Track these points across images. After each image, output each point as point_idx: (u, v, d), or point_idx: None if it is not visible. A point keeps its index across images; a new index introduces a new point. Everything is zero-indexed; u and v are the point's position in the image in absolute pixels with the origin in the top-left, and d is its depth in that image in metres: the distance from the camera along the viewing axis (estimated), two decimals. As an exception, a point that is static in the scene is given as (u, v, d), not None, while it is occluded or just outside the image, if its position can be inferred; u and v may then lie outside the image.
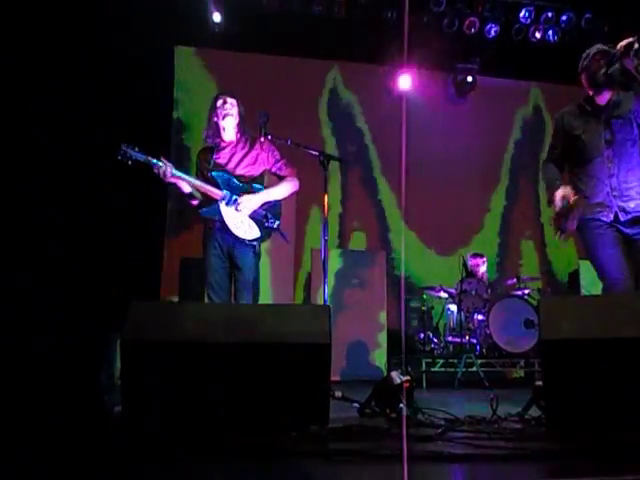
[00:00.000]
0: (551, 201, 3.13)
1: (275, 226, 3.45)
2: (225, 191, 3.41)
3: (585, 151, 3.12)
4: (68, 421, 2.51)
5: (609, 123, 3.07)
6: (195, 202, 3.54)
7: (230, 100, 3.54)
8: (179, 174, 3.37)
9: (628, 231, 3.00)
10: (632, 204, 3.00)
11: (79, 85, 5.68)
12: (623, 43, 2.82)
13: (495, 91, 7.80)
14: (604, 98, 3.11)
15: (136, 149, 3.31)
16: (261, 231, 3.41)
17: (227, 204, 3.40)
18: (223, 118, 3.51)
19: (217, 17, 6.59)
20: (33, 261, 5.06)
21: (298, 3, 6.49)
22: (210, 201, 3.43)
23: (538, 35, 6.93)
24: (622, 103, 3.08)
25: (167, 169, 3.33)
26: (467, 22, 6.81)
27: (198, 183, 3.41)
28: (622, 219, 2.99)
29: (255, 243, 3.39)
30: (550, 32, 6.93)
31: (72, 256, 5.42)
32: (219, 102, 3.53)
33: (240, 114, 3.56)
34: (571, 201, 3.03)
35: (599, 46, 3.06)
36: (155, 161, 3.34)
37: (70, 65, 5.65)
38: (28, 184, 5.27)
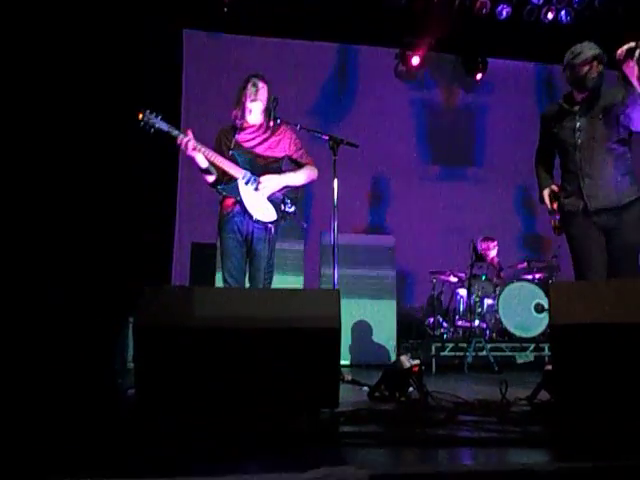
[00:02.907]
0: (541, 200, 3.40)
1: (292, 211, 3.45)
2: (245, 170, 3.41)
3: (561, 147, 3.26)
4: (81, 405, 2.55)
5: (583, 119, 3.16)
6: (211, 178, 3.52)
7: (261, 84, 3.51)
8: (200, 147, 3.35)
9: (598, 220, 3.12)
10: (599, 198, 3.11)
11: (83, 73, 5.68)
12: (624, 48, 2.81)
13: (506, 73, 7.71)
14: (582, 95, 3.19)
15: (159, 117, 3.31)
16: (277, 214, 3.41)
17: (246, 183, 3.38)
18: (252, 101, 3.48)
19: None
20: (43, 246, 5.10)
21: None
22: (229, 179, 3.43)
23: (550, 16, 6.83)
24: (600, 99, 3.14)
25: (189, 141, 3.31)
26: (478, 3, 6.72)
27: (219, 159, 3.39)
28: (590, 209, 3.12)
29: (271, 225, 3.39)
30: (563, 13, 6.83)
31: (82, 241, 5.46)
32: (250, 84, 3.49)
33: (268, 99, 3.52)
34: (554, 205, 3.30)
35: (593, 51, 3.08)
36: (177, 132, 3.34)
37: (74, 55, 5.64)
38: (36, 171, 5.30)
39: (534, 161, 3.54)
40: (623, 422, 2.00)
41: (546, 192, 3.35)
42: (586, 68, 3.07)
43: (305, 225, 3.63)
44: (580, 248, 3.18)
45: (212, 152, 3.39)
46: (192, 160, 3.43)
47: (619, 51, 2.83)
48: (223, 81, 6.57)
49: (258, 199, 3.38)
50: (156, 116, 3.31)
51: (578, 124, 3.16)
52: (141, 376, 2.21)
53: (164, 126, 3.31)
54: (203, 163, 3.42)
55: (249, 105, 3.49)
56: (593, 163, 3.13)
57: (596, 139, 3.12)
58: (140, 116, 3.28)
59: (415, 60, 7.37)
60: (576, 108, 3.20)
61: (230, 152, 3.43)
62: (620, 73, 2.89)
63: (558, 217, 3.31)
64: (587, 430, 1.94)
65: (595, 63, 3.06)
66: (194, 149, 3.32)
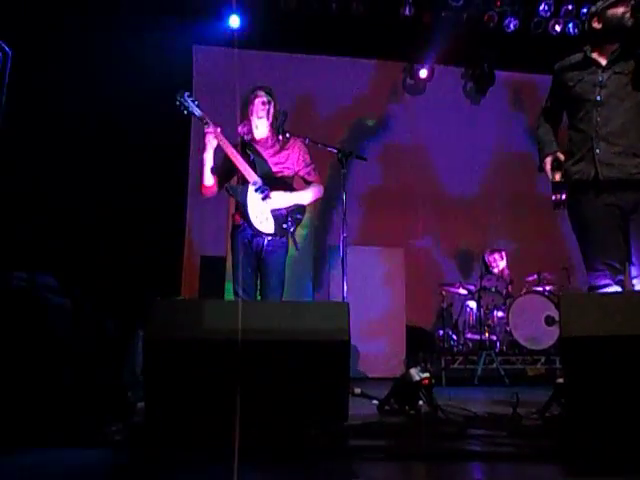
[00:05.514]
0: (541, 168, 2.95)
1: (291, 231, 3.43)
2: (259, 177, 3.40)
3: (576, 103, 2.81)
4: (92, 417, 2.55)
5: (607, 72, 2.74)
6: (210, 181, 3.45)
7: (268, 99, 3.49)
8: (224, 142, 3.37)
9: (614, 200, 2.65)
10: (613, 166, 2.65)
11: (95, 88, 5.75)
12: None
13: (515, 85, 7.73)
14: (613, 46, 2.75)
15: (195, 102, 3.38)
16: (275, 229, 3.39)
17: (256, 190, 3.38)
18: (260, 117, 3.47)
19: (234, 21, 6.62)
20: (54, 258, 5.14)
21: (316, 0, 6.49)
22: (241, 181, 3.44)
23: (558, 28, 6.84)
24: (631, 53, 2.70)
25: (217, 129, 3.36)
26: (486, 16, 6.75)
27: (239, 159, 3.38)
28: (601, 178, 2.65)
29: (284, 240, 3.40)
30: (570, 25, 6.84)
31: (92, 253, 5.49)
32: (257, 99, 3.48)
33: (275, 113, 3.50)
34: (557, 177, 2.82)
35: None
36: (207, 121, 3.37)
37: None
38: (47, 186, 5.36)
39: (537, 122, 3.07)
40: (635, 436, 1.98)
41: (549, 159, 2.88)
42: (621, 10, 2.67)
43: (298, 248, 3.59)
44: (592, 229, 2.66)
45: (235, 151, 3.40)
46: (203, 149, 3.43)
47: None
48: (232, 96, 6.62)
49: (262, 209, 3.37)
50: (193, 100, 3.38)
51: (601, 78, 2.73)
52: (151, 389, 2.22)
53: (197, 111, 3.37)
54: (209, 162, 3.40)
55: (256, 121, 3.48)
56: (612, 125, 2.67)
57: (620, 97, 2.68)
58: (177, 96, 3.35)
59: (423, 73, 7.41)
60: (603, 60, 2.76)
61: (251, 157, 3.43)
62: None
63: (562, 192, 2.83)
64: (599, 444, 1.92)
65: (631, 5, 2.63)
66: (217, 137, 3.34)
